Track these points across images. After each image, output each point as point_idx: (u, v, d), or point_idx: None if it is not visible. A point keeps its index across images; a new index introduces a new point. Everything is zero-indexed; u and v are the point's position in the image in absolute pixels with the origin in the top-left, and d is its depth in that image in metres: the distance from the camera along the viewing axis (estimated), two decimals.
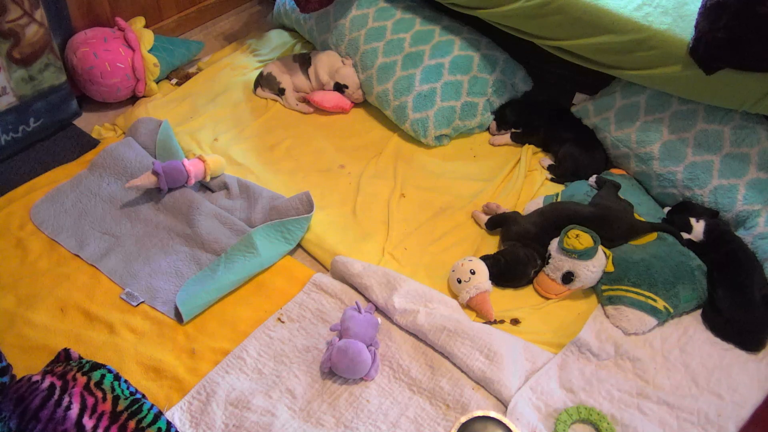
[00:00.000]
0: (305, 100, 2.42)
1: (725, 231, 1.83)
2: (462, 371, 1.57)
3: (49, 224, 1.90)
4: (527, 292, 1.81)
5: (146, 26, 2.39)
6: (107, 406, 1.35)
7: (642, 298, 1.68)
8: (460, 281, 1.74)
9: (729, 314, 1.67)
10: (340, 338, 1.56)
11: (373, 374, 1.56)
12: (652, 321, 1.67)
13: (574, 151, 2.12)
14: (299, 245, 1.92)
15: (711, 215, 1.86)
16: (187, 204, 1.94)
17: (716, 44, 1.71)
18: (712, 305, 1.72)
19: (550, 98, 2.35)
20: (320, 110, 2.39)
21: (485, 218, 1.95)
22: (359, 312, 1.61)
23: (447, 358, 1.60)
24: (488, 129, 2.34)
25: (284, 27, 2.78)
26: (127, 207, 1.97)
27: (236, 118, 2.35)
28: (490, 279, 1.75)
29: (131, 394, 1.40)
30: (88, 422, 1.31)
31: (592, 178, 2.03)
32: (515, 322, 1.72)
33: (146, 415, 1.36)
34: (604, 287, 1.75)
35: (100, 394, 1.37)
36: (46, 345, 1.58)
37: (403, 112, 2.22)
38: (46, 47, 2.04)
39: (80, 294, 1.72)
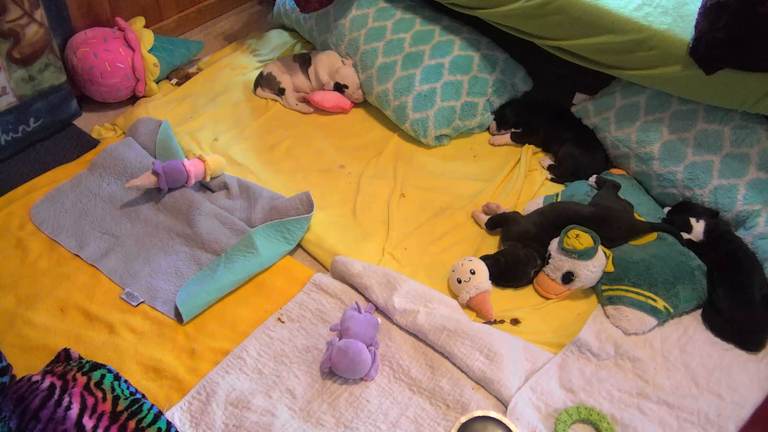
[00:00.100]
0: (305, 100, 2.42)
1: (725, 231, 1.83)
2: (462, 371, 1.57)
3: (49, 224, 1.90)
4: (527, 292, 1.81)
5: (146, 26, 2.39)
6: (107, 406, 1.35)
7: (642, 298, 1.68)
8: (460, 281, 1.74)
9: (729, 314, 1.67)
10: (340, 338, 1.56)
11: (373, 374, 1.56)
12: (652, 321, 1.67)
13: (574, 151, 2.12)
14: (299, 245, 1.92)
15: (711, 215, 1.86)
16: (187, 204, 1.94)
17: (716, 44, 1.71)
18: (712, 305, 1.72)
19: (550, 98, 2.35)
20: (320, 110, 2.39)
21: (485, 218, 1.95)
22: (359, 312, 1.61)
23: (447, 358, 1.60)
24: (488, 129, 2.34)
25: (284, 27, 2.78)
26: (127, 207, 1.97)
27: (236, 118, 2.35)
28: (490, 279, 1.75)
29: (131, 394, 1.40)
30: (88, 422, 1.31)
31: (592, 178, 2.03)
32: (515, 322, 1.72)
33: (146, 415, 1.36)
34: (604, 287, 1.75)
35: (100, 394, 1.37)
36: (46, 345, 1.58)
37: (403, 112, 2.22)
38: (46, 47, 2.04)
39: (80, 294, 1.72)
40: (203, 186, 2.07)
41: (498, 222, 1.93)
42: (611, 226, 1.82)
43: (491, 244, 1.93)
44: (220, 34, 2.82)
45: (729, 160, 1.88)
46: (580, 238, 1.72)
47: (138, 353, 1.58)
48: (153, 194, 1.99)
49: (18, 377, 1.43)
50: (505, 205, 2.01)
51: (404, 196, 2.07)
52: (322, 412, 1.50)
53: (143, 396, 1.42)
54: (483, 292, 1.72)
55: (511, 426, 1.43)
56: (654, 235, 1.84)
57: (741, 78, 1.76)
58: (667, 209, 1.95)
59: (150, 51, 2.33)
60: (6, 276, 1.76)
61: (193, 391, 1.51)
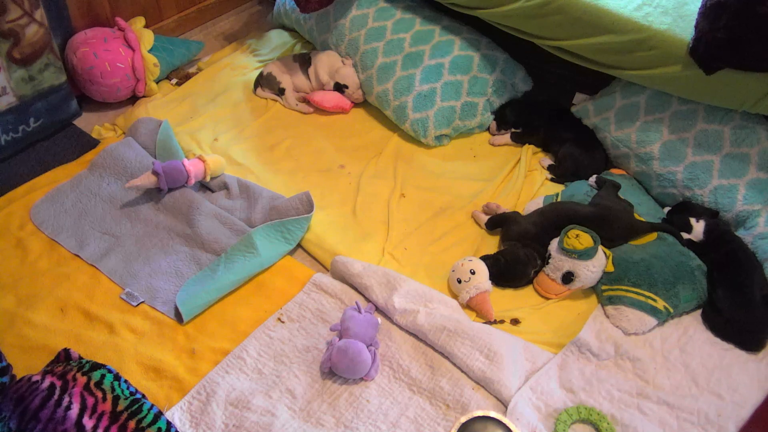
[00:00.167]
0: (305, 100, 2.42)
1: (725, 231, 1.83)
2: (462, 371, 1.57)
3: (49, 224, 1.90)
4: (527, 292, 1.81)
5: (146, 26, 2.39)
6: (107, 406, 1.35)
7: (642, 298, 1.68)
8: (460, 281, 1.74)
9: (729, 314, 1.67)
10: (340, 338, 1.56)
11: (373, 374, 1.56)
12: (652, 321, 1.67)
13: (574, 151, 2.12)
14: (299, 245, 1.92)
15: (711, 215, 1.86)
16: (187, 204, 1.94)
17: (716, 44, 1.70)
18: (712, 305, 1.72)
19: (550, 98, 2.35)
20: (320, 110, 2.39)
21: (485, 218, 1.95)
22: (359, 312, 1.61)
23: (447, 358, 1.60)
24: (488, 129, 2.34)
25: (284, 27, 2.78)
26: (127, 207, 1.97)
27: (236, 118, 2.35)
28: (490, 279, 1.75)
29: (131, 394, 1.40)
30: (88, 422, 1.31)
31: (592, 178, 2.03)
32: (515, 322, 1.72)
33: (146, 415, 1.36)
34: (604, 287, 1.75)
35: (100, 394, 1.37)
36: (46, 345, 1.58)
37: (403, 112, 2.22)
38: (46, 47, 2.04)
39: (80, 294, 1.72)
40: (203, 186, 2.07)
41: (498, 222, 1.93)
42: (611, 226, 1.82)
43: (491, 244, 1.93)
44: (220, 34, 2.82)
45: (729, 160, 1.88)
46: (580, 238, 1.72)
47: (138, 353, 1.58)
48: (153, 194, 1.99)
49: (18, 377, 1.43)
50: (505, 205, 2.01)
51: (404, 196, 2.07)
52: (322, 412, 1.50)
53: (143, 396, 1.42)
54: (483, 292, 1.72)
55: (511, 426, 1.43)
56: (654, 235, 1.84)
57: (741, 78, 1.76)
58: (667, 209, 1.95)
59: (150, 51, 2.33)
60: (6, 276, 1.76)
61: (193, 391, 1.51)
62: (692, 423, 1.49)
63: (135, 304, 1.71)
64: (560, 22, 2.00)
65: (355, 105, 2.43)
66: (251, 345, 1.62)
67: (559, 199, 1.98)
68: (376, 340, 1.61)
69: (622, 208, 1.88)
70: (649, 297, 1.68)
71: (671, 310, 1.68)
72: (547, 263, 1.77)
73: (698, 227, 1.84)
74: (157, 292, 1.74)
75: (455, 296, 1.76)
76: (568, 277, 1.72)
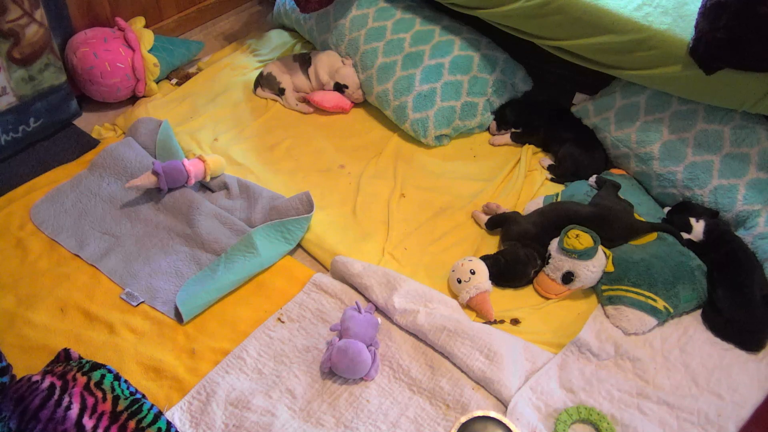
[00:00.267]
0: (305, 100, 2.42)
1: (725, 231, 1.83)
2: (462, 371, 1.57)
3: (49, 224, 1.90)
4: (527, 292, 1.81)
5: (146, 26, 2.39)
6: (107, 406, 1.35)
7: (642, 298, 1.68)
8: (460, 281, 1.74)
9: (729, 314, 1.67)
10: (340, 338, 1.56)
11: (373, 374, 1.56)
12: (652, 321, 1.67)
13: (574, 151, 2.12)
14: (299, 245, 1.92)
15: (711, 215, 1.86)
16: (187, 204, 1.94)
17: (716, 44, 1.70)
18: (712, 305, 1.72)
19: (550, 98, 2.35)
20: (320, 110, 2.39)
21: (485, 218, 1.95)
22: (359, 312, 1.61)
23: (447, 358, 1.60)
24: (488, 129, 2.34)
25: (284, 27, 2.78)
26: (127, 207, 1.97)
27: (236, 118, 2.35)
28: (490, 279, 1.75)
29: (131, 394, 1.40)
30: (88, 422, 1.31)
31: (592, 178, 2.03)
32: (515, 322, 1.72)
33: (146, 415, 1.36)
34: (604, 287, 1.75)
35: (100, 394, 1.37)
36: (46, 345, 1.58)
37: (403, 112, 2.22)
38: (46, 47, 2.04)
39: (80, 294, 1.72)
40: (203, 186, 2.07)
41: (498, 222, 1.93)
42: (611, 226, 1.82)
43: (491, 244, 1.93)
44: (220, 34, 2.82)
45: (729, 160, 1.88)
46: (580, 238, 1.72)
47: (138, 353, 1.58)
48: (153, 194, 1.99)
49: (18, 377, 1.42)
50: (505, 205, 2.01)
51: (404, 196, 2.07)
52: (322, 412, 1.50)
53: (143, 396, 1.42)
54: (483, 292, 1.72)
55: (511, 426, 1.43)
56: (654, 235, 1.84)
57: (741, 78, 1.76)
58: (667, 209, 1.95)
59: (150, 51, 2.33)
60: (6, 276, 1.76)
61: (193, 391, 1.51)
62: (692, 423, 1.49)
63: (135, 304, 1.71)
64: (560, 22, 2.00)
65: (355, 105, 2.43)
66: (251, 345, 1.62)
67: (559, 199, 1.98)
68: (376, 340, 1.61)
69: (622, 208, 1.88)
70: (649, 297, 1.68)
71: (671, 310, 1.68)
72: (547, 263, 1.77)
73: (698, 227, 1.84)
74: (157, 292, 1.74)
75: (455, 296, 1.76)
76: (568, 277, 1.72)
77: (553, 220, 1.85)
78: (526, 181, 2.14)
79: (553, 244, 1.77)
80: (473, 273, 1.73)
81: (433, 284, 1.79)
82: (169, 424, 1.36)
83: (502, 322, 1.72)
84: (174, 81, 2.49)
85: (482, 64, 2.29)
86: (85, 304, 1.69)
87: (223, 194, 2.03)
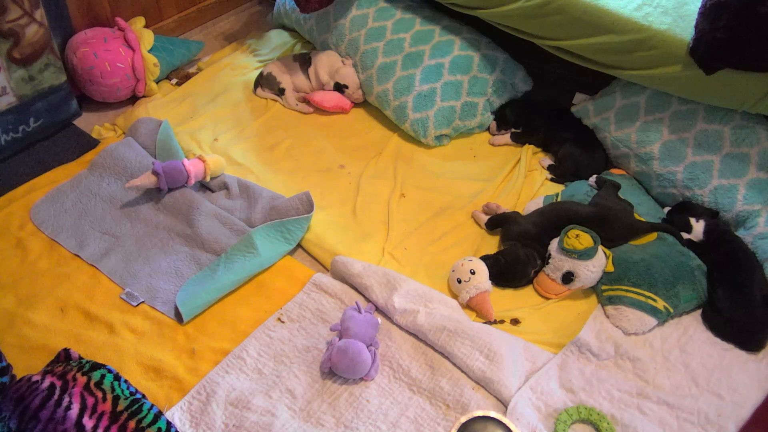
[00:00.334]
0: (305, 100, 2.42)
1: (725, 231, 1.83)
2: (462, 371, 1.57)
3: (49, 224, 1.90)
4: (527, 292, 1.81)
5: (146, 26, 2.39)
6: (107, 406, 1.35)
7: (642, 298, 1.68)
8: (460, 281, 1.74)
9: (729, 314, 1.67)
10: (340, 338, 1.56)
11: (373, 374, 1.56)
12: (652, 321, 1.67)
13: (574, 151, 2.12)
14: (299, 245, 1.92)
15: (711, 215, 1.86)
16: (187, 204, 1.94)
17: (716, 44, 1.70)
18: (712, 305, 1.72)
19: (550, 98, 2.35)
20: (320, 110, 2.39)
21: (485, 218, 1.95)
22: (359, 312, 1.61)
23: (447, 358, 1.60)
24: (488, 129, 2.34)
25: (284, 27, 2.78)
26: (127, 207, 1.97)
27: (236, 118, 2.35)
28: (490, 279, 1.75)
29: (131, 394, 1.40)
30: (88, 422, 1.31)
31: (592, 178, 2.03)
32: (515, 322, 1.72)
33: (146, 415, 1.36)
34: (604, 287, 1.75)
35: (100, 394, 1.37)
36: (46, 345, 1.58)
37: (403, 112, 2.22)
38: (46, 47, 2.04)
39: (80, 294, 1.72)
40: (203, 186, 2.07)
41: (498, 222, 1.93)
42: (611, 226, 1.82)
43: (491, 244, 1.93)
44: (220, 34, 2.82)
45: (729, 160, 1.88)
46: (580, 238, 1.72)
47: (138, 353, 1.58)
48: (153, 194, 1.99)
49: (18, 377, 1.42)
50: (505, 205, 2.01)
51: (404, 196, 2.07)
52: (322, 412, 1.50)
53: (143, 396, 1.42)
54: (483, 292, 1.72)
55: (511, 426, 1.43)
56: (654, 235, 1.84)
57: (741, 78, 1.76)
58: (667, 209, 1.95)
59: (150, 51, 2.33)
60: (6, 276, 1.76)
61: (193, 391, 1.51)
62: (692, 423, 1.49)
63: (135, 304, 1.71)
64: (560, 22, 2.00)
65: (355, 105, 2.43)
66: (251, 345, 1.62)
67: (559, 199, 1.98)
68: (376, 340, 1.61)
69: (622, 208, 1.88)
70: (649, 297, 1.68)
71: (671, 310, 1.68)
72: (547, 263, 1.77)
73: (698, 227, 1.84)
74: (157, 292, 1.74)
75: (455, 296, 1.76)
76: (568, 277, 1.72)
77: (553, 220, 1.85)
78: (526, 181, 2.14)
79: (553, 244, 1.77)
80: (473, 273, 1.73)
81: (433, 284, 1.79)
82: (169, 424, 1.36)
83: (502, 322, 1.72)
84: (174, 81, 2.49)
85: (482, 64, 2.29)
86: (85, 304, 1.69)
87: (223, 194, 2.03)
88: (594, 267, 1.71)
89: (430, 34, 2.31)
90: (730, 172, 1.87)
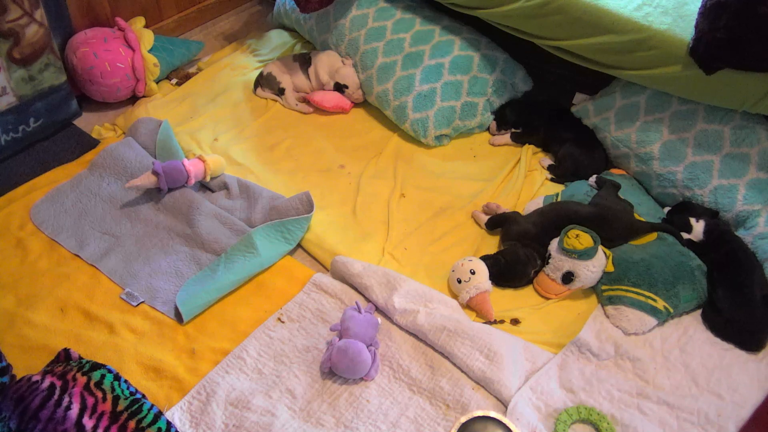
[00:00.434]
0: (305, 100, 2.42)
1: (725, 231, 1.83)
2: (462, 371, 1.57)
3: (49, 224, 1.90)
4: (527, 292, 1.81)
5: (146, 26, 2.39)
6: (107, 406, 1.35)
7: (642, 298, 1.68)
8: (460, 281, 1.74)
9: (729, 314, 1.67)
10: (340, 338, 1.56)
11: (373, 374, 1.56)
12: (652, 321, 1.67)
13: (574, 151, 2.12)
14: (299, 245, 1.92)
15: (711, 215, 1.86)
16: (187, 204, 1.94)
17: (716, 44, 1.70)
18: (712, 305, 1.72)
19: (550, 98, 2.35)
20: (320, 110, 2.39)
21: (485, 218, 1.95)
22: (359, 312, 1.61)
23: (447, 358, 1.60)
24: (488, 129, 2.34)
25: (284, 27, 2.78)
26: (127, 207, 1.97)
27: (236, 118, 2.35)
28: (490, 279, 1.75)
29: (131, 394, 1.40)
30: (88, 422, 1.32)
31: (592, 178, 2.03)
32: (515, 322, 1.72)
33: (146, 415, 1.36)
34: (604, 287, 1.75)
35: (100, 394, 1.37)
36: (46, 345, 1.58)
37: (403, 112, 2.22)
38: (46, 47, 2.04)
39: (80, 294, 1.72)
40: (203, 186, 2.07)
41: (498, 222, 1.93)
42: (611, 226, 1.82)
43: (491, 244, 1.93)
44: (220, 34, 2.82)
45: (729, 160, 1.88)
46: (580, 238, 1.72)
47: (138, 353, 1.58)
48: (153, 194, 1.99)
49: (18, 377, 1.42)
50: (505, 205, 2.01)
51: (404, 196, 2.07)
52: (322, 412, 1.50)
53: (143, 396, 1.42)
54: (483, 292, 1.72)
55: (511, 426, 1.43)
56: (654, 235, 1.84)
57: (741, 78, 1.76)
58: (667, 209, 1.95)
59: (150, 51, 2.33)
60: (6, 276, 1.76)
61: (193, 391, 1.51)
62: (692, 423, 1.49)
63: (135, 304, 1.71)
64: (560, 22, 2.00)
65: (355, 105, 2.43)
66: (251, 345, 1.62)
67: (559, 199, 1.98)
68: (376, 340, 1.61)
69: (622, 208, 1.88)
70: (649, 297, 1.68)
71: (671, 310, 1.68)
72: (547, 263, 1.77)
73: (698, 227, 1.84)
74: (157, 292, 1.74)
75: (455, 296, 1.76)
76: (568, 277, 1.72)
77: (553, 220, 1.85)
78: (526, 181, 2.14)
79: (553, 244, 1.77)
80: (473, 273, 1.73)
81: (433, 284, 1.79)
82: (169, 424, 1.37)
83: (502, 322, 1.72)
84: (174, 81, 2.49)
85: (482, 64, 2.29)
86: (85, 304, 1.69)
87: (223, 194, 2.03)
88: (594, 267, 1.71)
89: (430, 34, 2.31)
90: (730, 172, 1.87)
